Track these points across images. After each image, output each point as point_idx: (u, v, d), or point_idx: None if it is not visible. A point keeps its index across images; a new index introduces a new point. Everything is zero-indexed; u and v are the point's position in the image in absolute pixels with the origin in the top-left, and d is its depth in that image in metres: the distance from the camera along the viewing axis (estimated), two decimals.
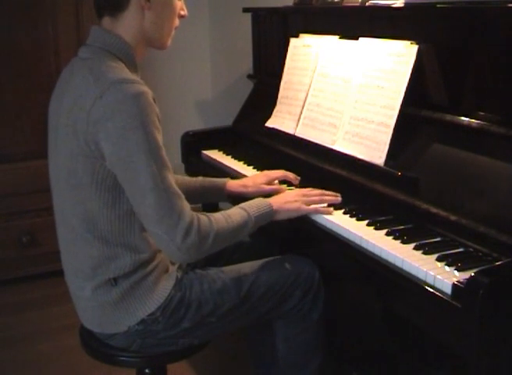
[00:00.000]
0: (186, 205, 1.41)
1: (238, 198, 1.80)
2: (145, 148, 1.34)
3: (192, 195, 1.85)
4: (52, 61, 2.83)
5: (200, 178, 1.89)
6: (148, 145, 1.34)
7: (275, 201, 1.60)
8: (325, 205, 1.64)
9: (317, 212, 1.62)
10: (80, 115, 1.37)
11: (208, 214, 1.47)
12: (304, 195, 1.65)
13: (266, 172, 1.89)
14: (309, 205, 1.63)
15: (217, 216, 1.48)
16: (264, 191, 1.80)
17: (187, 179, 1.89)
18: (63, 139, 1.44)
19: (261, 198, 1.62)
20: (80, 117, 1.37)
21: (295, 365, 1.69)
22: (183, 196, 1.41)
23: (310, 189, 1.70)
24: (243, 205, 1.56)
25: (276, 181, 1.88)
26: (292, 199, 1.62)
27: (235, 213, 1.52)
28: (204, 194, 1.87)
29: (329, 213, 1.61)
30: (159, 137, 1.38)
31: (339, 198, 1.67)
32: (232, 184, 1.86)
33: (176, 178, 1.86)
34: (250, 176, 1.93)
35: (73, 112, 1.39)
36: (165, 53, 2.06)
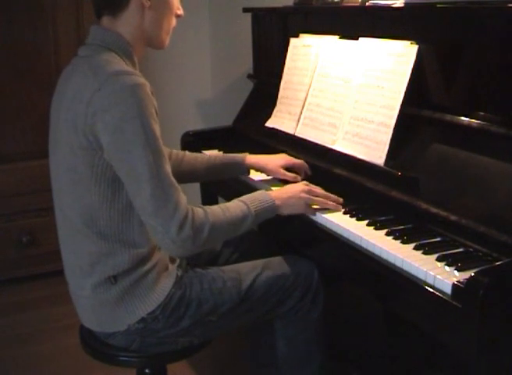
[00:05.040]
0: (183, 198, 1.40)
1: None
2: (142, 139, 1.34)
3: (213, 171, 1.90)
4: (52, 61, 2.83)
5: (219, 154, 1.94)
6: (145, 136, 1.35)
7: (279, 196, 1.57)
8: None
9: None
10: (79, 108, 1.38)
11: (205, 207, 1.46)
12: (309, 192, 1.60)
13: (286, 156, 1.91)
14: (312, 205, 1.61)
15: (214, 208, 1.47)
16: (281, 175, 1.84)
17: (206, 156, 1.92)
18: (63, 134, 1.44)
19: (264, 191, 1.58)
20: (79, 110, 1.38)
21: (295, 364, 1.69)
22: (179, 188, 1.41)
23: (315, 186, 1.64)
24: (244, 197, 1.54)
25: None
26: (296, 195, 1.58)
27: (234, 206, 1.50)
28: (224, 169, 1.91)
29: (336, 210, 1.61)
30: (157, 128, 1.39)
31: (340, 207, 1.62)
32: (252, 159, 1.91)
33: (195, 156, 1.91)
34: (270, 156, 1.93)
35: (73, 107, 1.40)
36: (165, 53, 2.06)
